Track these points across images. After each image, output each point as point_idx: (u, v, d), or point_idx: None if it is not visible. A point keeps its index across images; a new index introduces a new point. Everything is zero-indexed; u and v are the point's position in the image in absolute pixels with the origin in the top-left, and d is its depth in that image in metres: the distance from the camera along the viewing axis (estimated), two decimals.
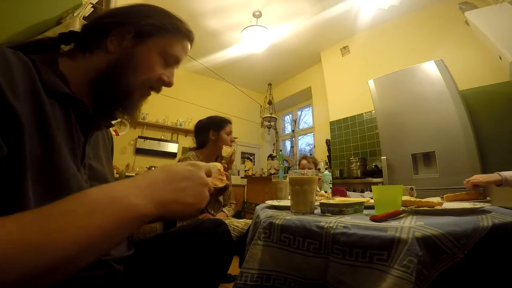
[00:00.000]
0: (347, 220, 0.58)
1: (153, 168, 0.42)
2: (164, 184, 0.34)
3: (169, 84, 0.54)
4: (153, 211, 0.31)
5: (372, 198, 0.78)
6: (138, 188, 0.32)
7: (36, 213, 0.26)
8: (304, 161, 2.32)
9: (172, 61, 0.54)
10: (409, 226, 0.47)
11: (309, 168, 2.21)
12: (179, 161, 1.40)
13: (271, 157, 3.92)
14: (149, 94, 0.54)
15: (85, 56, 0.48)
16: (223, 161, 1.22)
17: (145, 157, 4.03)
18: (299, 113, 5.21)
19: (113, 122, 0.57)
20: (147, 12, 0.52)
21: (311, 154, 3.70)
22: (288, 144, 5.29)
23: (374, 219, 0.56)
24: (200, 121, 1.55)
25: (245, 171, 4.30)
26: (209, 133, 1.44)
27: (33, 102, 0.36)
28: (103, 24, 0.49)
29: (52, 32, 1.35)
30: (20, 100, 0.34)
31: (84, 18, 1.54)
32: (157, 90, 0.55)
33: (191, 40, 0.57)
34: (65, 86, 0.43)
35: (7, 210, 0.31)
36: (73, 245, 0.25)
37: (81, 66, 0.48)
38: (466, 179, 1.18)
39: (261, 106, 5.04)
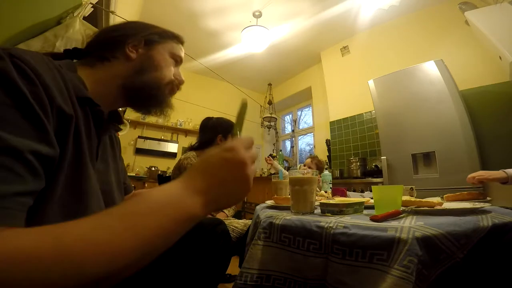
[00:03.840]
0: (347, 220, 0.58)
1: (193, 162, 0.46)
2: (210, 184, 0.35)
3: (182, 82, 0.62)
4: (204, 211, 0.34)
5: (372, 198, 0.78)
6: (192, 189, 0.34)
7: (106, 215, 0.28)
8: (308, 160, 2.31)
9: (179, 61, 0.62)
10: (409, 226, 0.47)
11: (310, 167, 2.20)
12: (179, 161, 1.39)
13: (271, 157, 3.92)
14: (174, 92, 0.62)
15: (104, 65, 0.53)
16: None
17: (145, 157, 4.02)
18: (299, 113, 5.21)
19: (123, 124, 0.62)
20: (144, 25, 0.60)
21: (311, 155, 3.70)
22: (288, 144, 5.29)
23: (374, 219, 0.56)
24: (209, 119, 1.52)
25: None
26: (217, 138, 1.43)
27: (71, 105, 0.39)
28: (114, 37, 0.56)
29: (53, 32, 1.35)
30: (66, 103, 0.38)
31: (84, 18, 1.54)
32: (178, 89, 0.63)
33: (183, 42, 0.66)
34: (86, 91, 0.46)
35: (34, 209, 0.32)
36: (141, 245, 0.27)
37: (104, 74, 0.53)
38: (470, 175, 1.15)
39: (261, 106, 5.04)
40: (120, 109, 0.59)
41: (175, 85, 0.61)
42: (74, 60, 0.54)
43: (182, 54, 0.64)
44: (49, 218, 0.35)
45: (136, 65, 0.55)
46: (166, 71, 0.58)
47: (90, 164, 0.44)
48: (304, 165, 2.25)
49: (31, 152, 0.29)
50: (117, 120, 0.59)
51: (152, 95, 0.56)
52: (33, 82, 0.33)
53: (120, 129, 0.64)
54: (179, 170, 1.35)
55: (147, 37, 0.57)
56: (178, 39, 0.63)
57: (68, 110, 0.37)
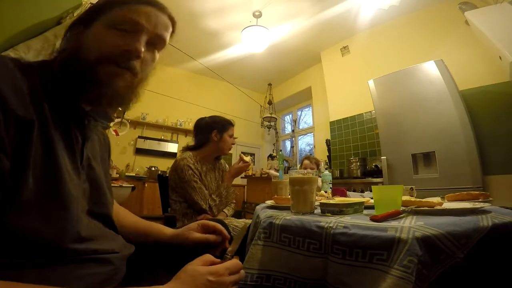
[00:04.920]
0: (347, 220, 0.58)
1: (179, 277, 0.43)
2: None
3: (135, 52, 0.46)
4: None
5: (372, 198, 0.78)
6: None
7: None
8: (306, 161, 2.32)
9: (130, 27, 0.46)
10: (409, 226, 0.47)
11: (311, 168, 2.21)
12: (175, 162, 1.39)
13: (271, 157, 3.93)
14: (122, 74, 0.46)
15: None
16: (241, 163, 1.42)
17: (145, 157, 4.03)
18: (299, 113, 5.21)
19: (114, 121, 0.56)
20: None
21: (311, 154, 3.70)
22: (288, 144, 5.29)
23: (374, 219, 0.56)
24: (202, 119, 1.52)
25: (245, 171, 4.30)
26: (212, 134, 1.43)
27: (35, 107, 0.37)
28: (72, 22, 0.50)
29: (53, 32, 1.35)
30: (25, 105, 0.36)
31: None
32: (127, 65, 0.46)
33: (147, 2, 0.49)
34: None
35: (4, 209, 0.32)
36: None
37: None
38: None
39: (261, 106, 5.04)
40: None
41: (121, 62, 0.48)
42: None
43: (137, 17, 0.49)
44: (25, 225, 0.34)
45: (67, 50, 0.49)
46: (97, 48, 0.47)
47: (71, 166, 0.43)
48: (305, 167, 2.25)
49: None
50: (103, 116, 0.52)
51: (82, 84, 0.47)
52: None
53: (109, 126, 0.57)
54: (176, 171, 1.35)
55: (84, 17, 0.50)
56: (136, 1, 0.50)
57: (28, 116, 0.35)
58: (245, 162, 1.44)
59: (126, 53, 0.46)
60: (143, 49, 0.47)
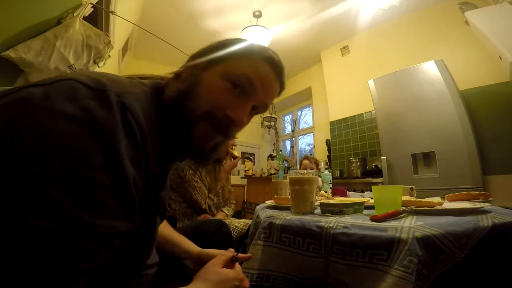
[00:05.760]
0: (347, 220, 0.58)
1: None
2: None
3: (239, 123, 0.43)
4: None
5: (372, 198, 0.78)
6: None
7: None
8: (306, 161, 2.32)
9: (244, 87, 0.43)
10: (409, 226, 0.47)
11: (311, 168, 2.21)
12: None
13: (271, 157, 3.92)
14: (216, 138, 0.43)
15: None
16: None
17: None
18: (299, 113, 5.21)
19: None
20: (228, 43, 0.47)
21: (311, 154, 3.70)
22: (288, 144, 5.29)
23: (374, 219, 0.56)
24: None
25: (245, 171, 4.30)
26: None
27: (159, 162, 0.37)
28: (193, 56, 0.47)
29: (53, 32, 1.35)
30: (156, 164, 0.35)
31: (84, 18, 1.55)
32: (224, 130, 0.43)
33: (269, 61, 0.45)
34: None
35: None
36: None
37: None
38: None
39: None
40: None
41: (218, 124, 0.46)
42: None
43: (255, 74, 0.46)
44: (121, 263, 0.36)
45: (182, 87, 0.45)
46: (207, 98, 0.44)
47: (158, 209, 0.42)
48: (305, 168, 2.25)
49: (114, 234, 0.28)
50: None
51: (177, 131, 0.46)
52: (138, 148, 0.30)
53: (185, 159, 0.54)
54: (176, 170, 1.35)
55: (212, 57, 0.46)
56: (259, 55, 0.46)
57: (156, 173, 0.34)
58: (235, 157, 1.46)
59: (229, 120, 0.42)
60: (245, 119, 0.45)
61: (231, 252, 0.56)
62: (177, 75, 0.46)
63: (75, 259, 0.25)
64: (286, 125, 5.48)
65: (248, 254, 0.62)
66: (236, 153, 1.48)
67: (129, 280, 0.42)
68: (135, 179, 0.30)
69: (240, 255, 0.58)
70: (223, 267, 0.51)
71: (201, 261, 0.63)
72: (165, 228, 0.68)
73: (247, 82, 0.43)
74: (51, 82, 0.29)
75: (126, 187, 0.29)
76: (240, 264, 0.59)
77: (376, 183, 2.47)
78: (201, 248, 0.67)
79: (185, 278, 0.53)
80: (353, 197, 1.29)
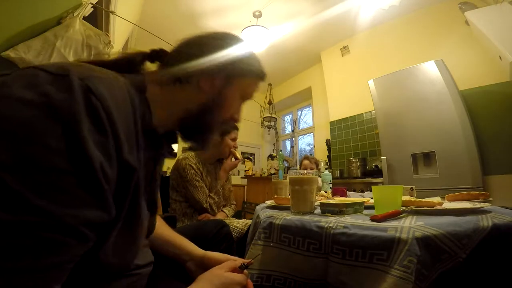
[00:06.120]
0: (347, 220, 0.58)
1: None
2: None
3: (237, 121, 0.56)
4: None
5: (372, 198, 0.78)
6: None
7: None
8: (306, 161, 2.32)
9: (246, 99, 0.55)
10: (409, 226, 0.47)
11: (311, 168, 2.21)
12: (177, 161, 1.39)
13: (271, 157, 3.93)
14: (222, 128, 0.56)
15: (175, 88, 0.46)
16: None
17: None
18: (299, 113, 5.21)
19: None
20: (237, 55, 0.51)
21: (311, 154, 3.70)
22: (288, 144, 5.29)
23: (374, 219, 0.56)
24: None
25: (245, 171, 4.30)
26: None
27: (138, 151, 0.36)
28: (198, 56, 0.47)
29: (53, 32, 1.35)
30: (132, 151, 0.33)
31: (84, 18, 1.54)
32: (227, 125, 0.57)
33: (264, 79, 0.57)
34: (151, 121, 0.42)
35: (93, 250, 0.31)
36: None
37: (170, 98, 0.46)
38: None
39: (261, 106, 5.04)
40: None
41: (227, 123, 0.54)
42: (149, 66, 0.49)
43: (254, 93, 0.56)
44: (102, 258, 0.34)
45: (204, 99, 0.47)
46: (228, 111, 0.51)
47: (145, 203, 0.41)
48: (305, 168, 2.25)
49: (84, 224, 0.27)
50: (173, 141, 0.52)
51: (201, 132, 0.50)
52: (104, 132, 0.29)
53: (173, 150, 0.56)
54: (178, 170, 1.35)
55: (231, 70, 0.48)
56: (260, 77, 0.54)
57: (133, 162, 0.33)
58: (236, 158, 1.45)
59: (232, 120, 0.55)
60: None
61: (239, 261, 0.55)
62: (176, 79, 0.46)
63: (43, 252, 0.24)
64: (286, 125, 5.48)
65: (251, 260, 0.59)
66: (239, 155, 1.47)
67: (118, 278, 0.41)
68: (102, 164, 0.28)
69: (250, 261, 0.56)
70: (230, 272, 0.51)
71: (204, 265, 0.62)
72: (165, 229, 0.67)
73: (250, 97, 0.55)
74: (15, 71, 0.29)
75: (90, 171, 0.27)
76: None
77: (376, 183, 2.47)
78: (204, 251, 0.66)
79: (187, 279, 0.53)
80: (353, 197, 1.29)
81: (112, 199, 0.30)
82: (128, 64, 0.45)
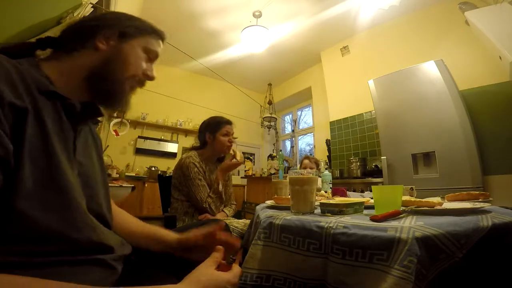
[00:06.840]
0: (347, 220, 0.58)
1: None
2: None
3: (152, 78, 0.60)
4: None
5: (372, 198, 0.78)
6: None
7: None
8: (306, 161, 2.32)
9: (153, 56, 0.61)
10: (409, 226, 0.47)
11: (311, 168, 2.21)
12: (181, 160, 1.39)
13: (271, 157, 3.93)
14: (135, 88, 0.60)
15: (71, 56, 0.52)
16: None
17: (145, 157, 4.02)
18: (299, 113, 5.21)
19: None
20: (124, 17, 0.59)
21: (311, 154, 3.70)
22: (288, 144, 5.30)
23: (374, 219, 0.56)
24: (203, 121, 1.54)
25: (245, 171, 4.30)
26: (206, 136, 1.43)
27: (30, 100, 0.40)
28: (89, 27, 0.55)
29: (52, 32, 1.35)
30: (21, 98, 0.38)
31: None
32: (142, 85, 0.61)
33: (163, 38, 0.64)
34: (50, 85, 0.46)
35: (10, 193, 0.34)
36: None
37: (69, 65, 0.51)
38: None
39: (261, 106, 5.04)
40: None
41: (138, 80, 0.58)
42: (44, 51, 0.54)
43: (158, 50, 0.62)
44: (28, 213, 0.35)
45: (103, 56, 0.53)
46: (133, 66, 0.56)
47: (65, 156, 0.44)
48: (305, 167, 2.24)
49: None
50: (94, 112, 0.54)
51: (110, 89, 0.54)
52: None
53: (99, 121, 0.62)
54: (181, 168, 1.35)
55: (122, 29, 0.56)
56: (157, 34, 0.62)
57: (21, 104, 0.37)
58: (235, 158, 1.44)
59: (147, 77, 0.60)
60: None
61: (221, 250, 0.52)
62: (71, 48, 0.52)
63: None
64: (286, 125, 5.48)
65: (238, 253, 0.57)
66: (239, 156, 1.45)
67: (84, 261, 0.42)
68: None
69: (237, 254, 0.54)
70: (218, 268, 0.48)
71: (184, 248, 0.64)
72: (133, 222, 0.67)
73: (155, 54, 0.61)
74: None
75: None
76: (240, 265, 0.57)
77: (376, 183, 2.48)
78: (179, 235, 0.66)
79: (179, 273, 0.51)
80: (353, 197, 1.29)
81: (9, 138, 0.35)
82: (18, 52, 0.49)
